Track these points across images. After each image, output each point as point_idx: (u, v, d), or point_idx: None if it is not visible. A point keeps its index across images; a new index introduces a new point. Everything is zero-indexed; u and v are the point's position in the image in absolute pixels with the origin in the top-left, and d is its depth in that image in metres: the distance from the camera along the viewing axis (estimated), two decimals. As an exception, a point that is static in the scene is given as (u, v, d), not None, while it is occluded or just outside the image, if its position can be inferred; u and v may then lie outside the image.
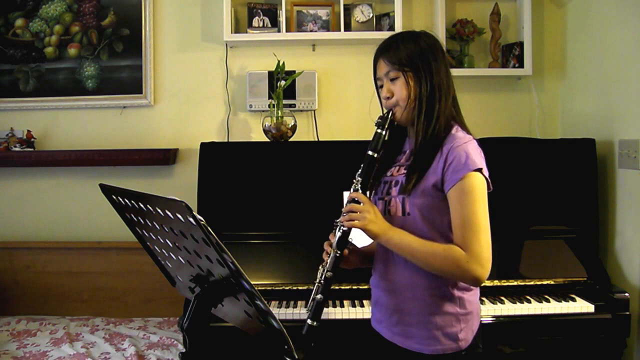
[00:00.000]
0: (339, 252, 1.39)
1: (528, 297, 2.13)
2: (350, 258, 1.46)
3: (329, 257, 1.39)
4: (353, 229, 1.38)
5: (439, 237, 1.33)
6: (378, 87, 1.47)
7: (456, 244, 1.29)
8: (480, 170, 1.31)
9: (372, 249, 1.52)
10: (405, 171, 1.39)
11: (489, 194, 1.34)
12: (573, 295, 2.14)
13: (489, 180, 1.34)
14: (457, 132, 1.37)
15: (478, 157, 1.32)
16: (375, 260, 1.49)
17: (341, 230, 1.38)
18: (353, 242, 1.44)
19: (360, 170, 1.40)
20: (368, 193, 1.42)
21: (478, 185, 1.30)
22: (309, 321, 1.37)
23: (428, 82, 1.36)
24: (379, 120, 1.41)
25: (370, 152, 1.40)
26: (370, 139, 1.41)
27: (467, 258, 1.26)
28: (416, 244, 1.31)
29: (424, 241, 1.31)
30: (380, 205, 1.43)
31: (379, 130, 1.40)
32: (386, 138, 1.41)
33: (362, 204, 1.35)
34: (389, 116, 1.40)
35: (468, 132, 1.39)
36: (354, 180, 1.40)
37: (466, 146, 1.32)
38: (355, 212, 1.34)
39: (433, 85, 1.36)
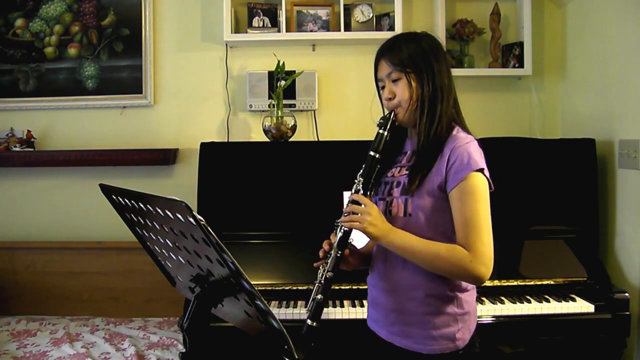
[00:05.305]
0: (340, 252, 1.38)
1: (528, 297, 2.13)
2: (350, 259, 1.45)
3: (328, 256, 1.39)
4: (354, 230, 1.37)
5: (440, 237, 1.33)
6: (379, 88, 1.46)
7: (459, 243, 1.29)
8: (482, 170, 1.32)
9: (370, 249, 1.52)
10: (406, 172, 1.39)
11: (489, 193, 1.35)
12: (573, 295, 2.14)
13: (490, 180, 1.35)
14: (458, 132, 1.37)
15: (479, 158, 1.33)
16: (374, 259, 1.49)
17: (342, 231, 1.38)
18: (353, 243, 1.44)
19: (361, 171, 1.40)
20: (369, 194, 1.42)
21: (480, 185, 1.31)
22: (308, 321, 1.36)
23: (430, 83, 1.36)
24: (381, 120, 1.41)
25: (372, 153, 1.39)
26: (371, 139, 1.41)
27: (471, 257, 1.26)
28: (418, 245, 1.31)
29: (427, 242, 1.31)
30: (381, 205, 1.43)
31: (380, 131, 1.40)
32: (388, 139, 1.40)
33: (362, 206, 1.34)
34: (391, 117, 1.40)
35: (469, 133, 1.40)
36: (355, 181, 1.39)
37: (468, 146, 1.33)
38: (356, 214, 1.34)
39: (435, 86, 1.37)
